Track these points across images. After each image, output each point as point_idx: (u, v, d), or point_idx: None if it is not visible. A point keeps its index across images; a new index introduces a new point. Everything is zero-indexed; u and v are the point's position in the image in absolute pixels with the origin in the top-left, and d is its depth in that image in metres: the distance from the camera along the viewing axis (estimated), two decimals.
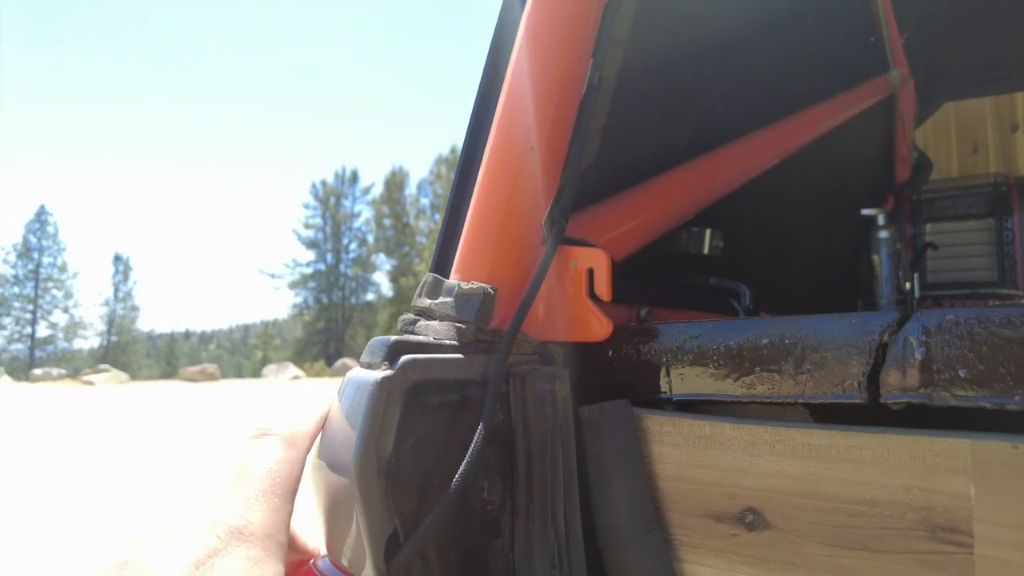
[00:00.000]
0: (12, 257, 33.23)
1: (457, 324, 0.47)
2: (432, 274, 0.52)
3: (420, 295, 0.51)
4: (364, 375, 0.42)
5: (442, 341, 0.46)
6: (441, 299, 0.50)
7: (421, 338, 0.46)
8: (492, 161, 0.52)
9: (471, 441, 0.43)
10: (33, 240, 33.34)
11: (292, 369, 22.00)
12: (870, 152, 1.95)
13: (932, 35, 1.99)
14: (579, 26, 0.54)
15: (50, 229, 33.69)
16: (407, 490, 0.41)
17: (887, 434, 0.40)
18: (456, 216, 0.54)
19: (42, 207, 38.24)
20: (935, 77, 2.21)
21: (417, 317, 0.50)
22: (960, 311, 0.40)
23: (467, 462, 0.40)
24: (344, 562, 0.43)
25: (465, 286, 0.48)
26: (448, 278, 0.51)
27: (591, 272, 0.51)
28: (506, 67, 0.54)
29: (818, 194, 1.56)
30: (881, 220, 1.78)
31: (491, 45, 0.57)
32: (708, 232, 0.96)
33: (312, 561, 0.49)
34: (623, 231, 0.66)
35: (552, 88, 0.53)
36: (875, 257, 1.80)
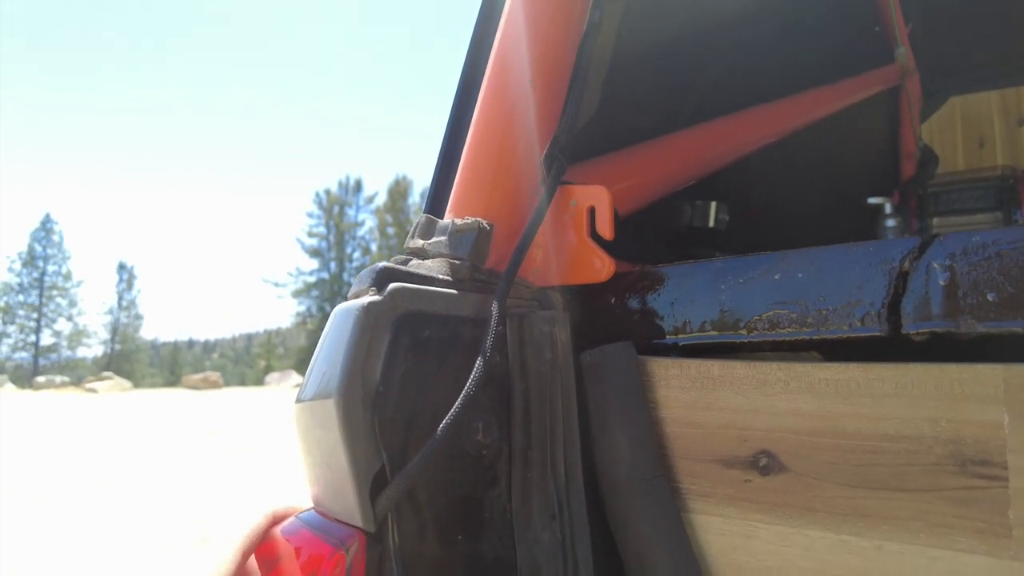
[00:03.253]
0: (17, 265, 33.34)
1: (451, 260, 0.45)
2: (426, 214, 0.49)
3: (413, 236, 0.49)
4: (350, 303, 0.39)
5: (435, 275, 0.43)
6: (435, 238, 0.47)
7: (413, 270, 0.43)
8: (488, 96, 0.49)
9: (465, 380, 0.40)
10: (38, 248, 33.47)
11: (295, 377, 21.93)
12: (876, 146, 1.93)
13: (937, 29, 1.97)
14: None
15: (55, 238, 33.82)
16: (395, 424, 0.38)
17: (911, 365, 0.38)
18: (451, 155, 0.52)
19: (47, 216, 38.44)
20: (941, 71, 2.19)
21: (409, 257, 0.48)
22: (987, 232, 0.38)
23: (461, 399, 0.37)
24: (330, 507, 0.41)
25: (459, 222, 0.46)
26: (442, 219, 0.49)
27: (592, 211, 0.48)
28: (504, 3, 0.52)
29: (826, 186, 1.54)
30: (887, 209, 1.76)
31: None
32: (714, 205, 0.93)
33: (295, 516, 0.46)
34: (626, 185, 0.64)
35: (552, 24, 0.50)
36: None
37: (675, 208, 0.90)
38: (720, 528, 0.42)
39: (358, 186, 36.33)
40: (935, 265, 0.39)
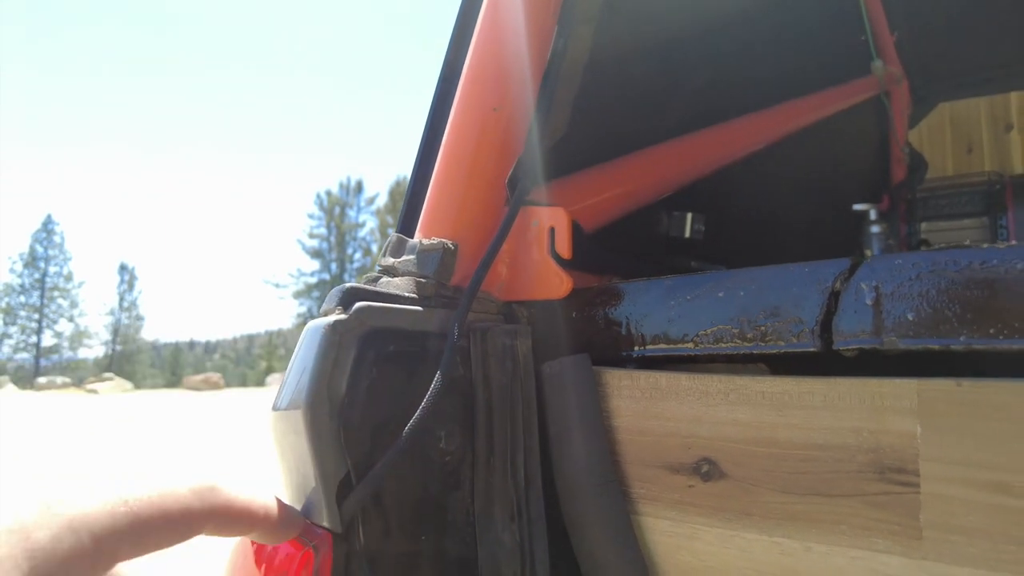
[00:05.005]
0: (18, 266, 33.44)
1: (418, 279, 0.48)
2: (396, 234, 0.52)
3: (384, 254, 0.52)
4: (319, 321, 0.42)
5: (401, 293, 0.46)
6: (404, 257, 0.50)
7: (380, 289, 0.46)
8: (457, 121, 0.53)
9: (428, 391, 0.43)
10: (39, 249, 33.57)
11: None
12: (865, 151, 1.96)
13: (924, 35, 2.00)
14: None
15: (56, 239, 33.92)
16: (360, 433, 0.41)
17: (838, 379, 0.41)
18: (422, 178, 0.55)
19: (48, 217, 38.56)
20: (929, 77, 2.21)
21: (380, 275, 0.51)
22: (909, 255, 0.41)
23: (422, 408, 0.40)
24: (302, 511, 0.44)
25: (426, 242, 0.49)
26: (412, 238, 0.52)
27: (552, 231, 0.51)
28: (473, 32, 0.55)
29: (812, 191, 1.56)
30: (872, 215, 1.78)
31: (460, 11, 0.58)
32: (689, 216, 0.96)
33: None
34: (596, 201, 0.67)
35: (517, 53, 0.53)
36: (867, 252, 1.80)
37: (652, 219, 0.93)
38: (666, 530, 0.45)
39: (359, 187, 36.42)
40: (863, 286, 0.42)
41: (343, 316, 0.41)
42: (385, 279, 0.50)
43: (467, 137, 0.52)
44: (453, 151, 0.52)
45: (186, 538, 0.27)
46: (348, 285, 0.44)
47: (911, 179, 2.04)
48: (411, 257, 0.49)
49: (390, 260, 0.51)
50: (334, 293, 0.44)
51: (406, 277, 0.48)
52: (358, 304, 0.42)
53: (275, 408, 0.45)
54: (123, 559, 0.25)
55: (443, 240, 0.48)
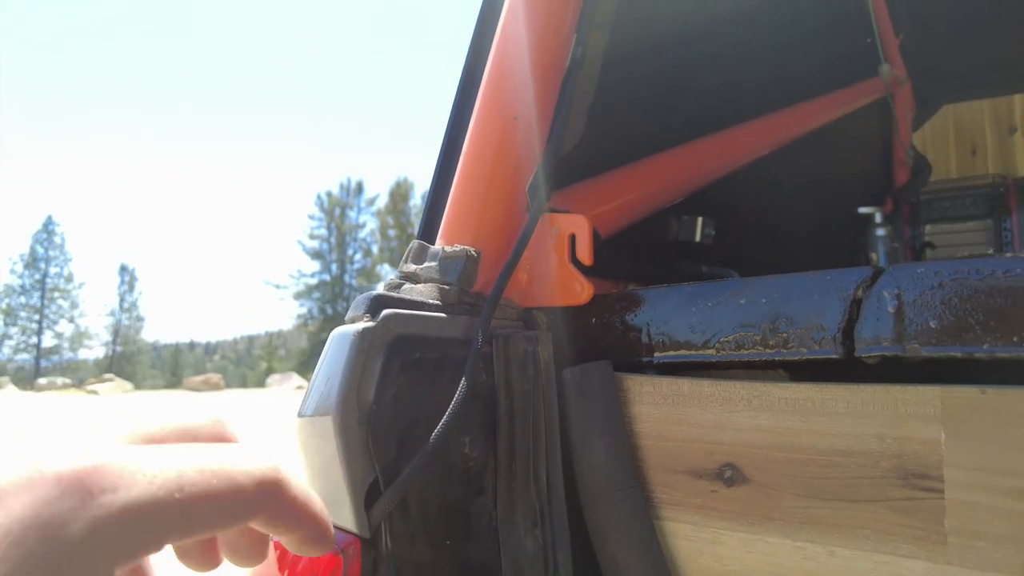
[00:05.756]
0: (19, 267, 33.46)
1: (441, 286, 0.48)
2: (418, 241, 0.53)
3: (406, 261, 0.52)
4: (347, 328, 0.43)
5: (425, 300, 0.47)
6: (426, 264, 0.51)
7: (404, 295, 0.47)
8: (477, 130, 0.53)
9: (453, 398, 0.43)
10: (40, 250, 33.59)
11: (296, 379, 21.98)
12: (869, 154, 1.97)
13: (928, 38, 2.01)
14: (562, 5, 0.55)
15: (56, 239, 33.94)
16: (388, 439, 0.41)
17: (861, 386, 0.41)
18: (442, 185, 0.55)
19: (49, 217, 38.57)
20: (933, 80, 2.22)
21: (402, 282, 0.51)
22: (932, 263, 0.41)
23: (448, 415, 0.41)
24: (329, 514, 0.44)
25: (449, 249, 0.49)
26: (434, 245, 0.52)
27: (573, 238, 0.52)
28: (492, 42, 0.55)
29: (817, 194, 1.57)
30: (877, 218, 1.79)
31: (478, 21, 0.58)
32: (700, 220, 0.97)
33: None
34: (609, 207, 0.67)
35: (536, 62, 0.54)
36: (872, 255, 1.80)
37: (663, 224, 0.94)
38: (688, 535, 0.46)
39: (359, 188, 36.42)
40: (885, 294, 0.42)
41: (371, 324, 0.42)
42: (408, 286, 0.50)
43: (487, 145, 0.52)
44: (474, 159, 0.53)
45: (233, 528, 0.26)
46: (374, 292, 0.44)
47: (915, 182, 2.05)
48: (433, 264, 0.50)
49: (412, 267, 0.51)
50: (360, 300, 0.44)
51: (429, 284, 0.49)
52: (385, 311, 0.42)
53: (301, 414, 0.45)
54: (164, 546, 0.23)
55: (466, 247, 0.49)
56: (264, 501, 0.26)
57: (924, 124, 2.29)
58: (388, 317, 0.42)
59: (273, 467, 0.26)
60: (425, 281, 0.50)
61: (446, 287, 0.48)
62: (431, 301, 0.47)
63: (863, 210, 1.80)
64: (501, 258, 0.51)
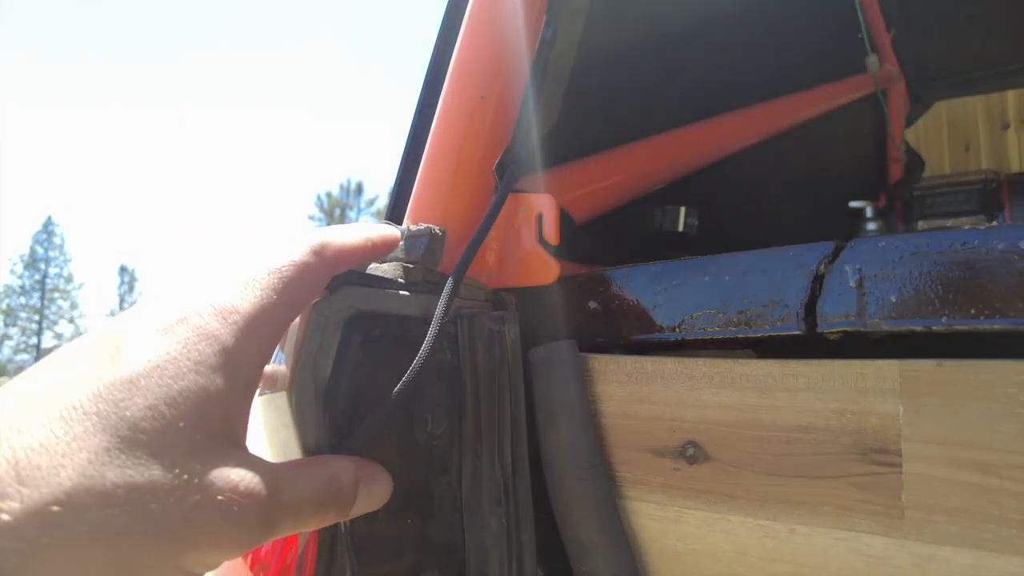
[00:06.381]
0: (19, 268, 33.47)
1: (404, 264, 0.48)
2: (386, 221, 0.53)
3: None
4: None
5: (387, 277, 0.47)
6: None
7: (366, 273, 0.46)
8: (445, 109, 0.53)
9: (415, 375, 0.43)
10: (39, 251, 33.59)
11: None
12: (862, 150, 1.96)
13: (921, 34, 2.00)
14: None
15: (56, 240, 33.94)
16: (344, 416, 0.41)
17: (822, 361, 0.41)
18: (411, 166, 0.55)
19: (49, 218, 38.56)
20: (926, 76, 2.22)
21: None
22: (894, 237, 0.41)
23: (402, 383, 0.40)
24: None
25: (413, 228, 0.49)
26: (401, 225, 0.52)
27: (540, 218, 0.52)
28: (462, 21, 0.55)
29: (809, 189, 1.57)
30: (869, 212, 1.79)
31: (449, 1, 0.58)
32: (683, 210, 0.96)
33: None
34: (585, 192, 0.67)
35: (505, 42, 0.54)
36: None
37: (645, 213, 0.94)
38: (652, 514, 0.45)
39: (359, 189, 36.45)
40: (847, 268, 0.42)
41: (328, 299, 0.41)
42: (372, 265, 0.50)
43: (455, 125, 0.52)
44: (441, 139, 0.53)
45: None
46: None
47: (908, 178, 2.05)
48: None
49: None
50: None
51: (393, 263, 0.48)
52: (343, 287, 0.42)
53: (260, 393, 0.45)
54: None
55: (430, 226, 0.49)
56: (326, 263, 0.37)
57: (917, 120, 2.29)
58: (346, 292, 0.42)
59: (311, 239, 0.36)
60: (390, 260, 0.49)
61: (409, 266, 0.48)
62: (393, 279, 0.47)
63: (854, 204, 1.80)
64: (468, 238, 0.51)
